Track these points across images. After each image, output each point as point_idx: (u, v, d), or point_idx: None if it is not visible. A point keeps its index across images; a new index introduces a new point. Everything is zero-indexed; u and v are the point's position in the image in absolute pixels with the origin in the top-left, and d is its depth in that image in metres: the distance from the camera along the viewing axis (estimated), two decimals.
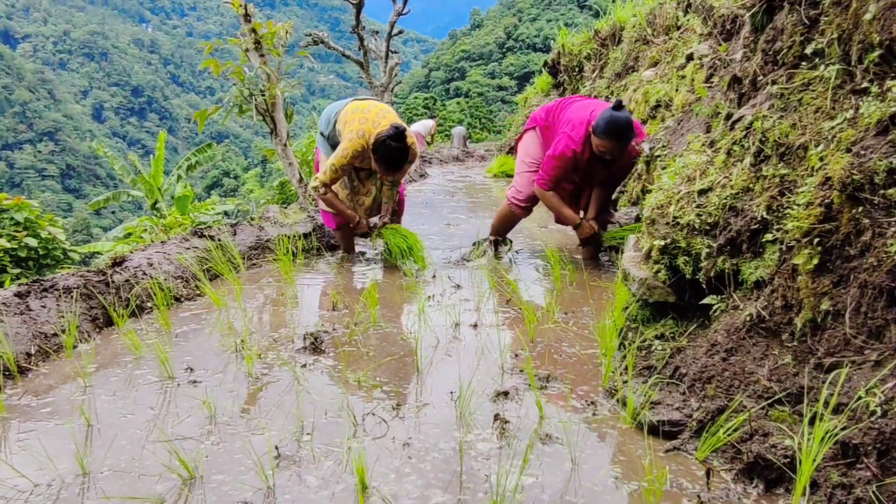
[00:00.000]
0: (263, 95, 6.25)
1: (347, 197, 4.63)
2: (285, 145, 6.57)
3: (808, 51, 2.37)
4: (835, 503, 1.73)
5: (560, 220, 4.66)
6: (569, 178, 4.32)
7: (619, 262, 3.24)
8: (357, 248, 5.06)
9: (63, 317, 3.03)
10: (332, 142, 4.55)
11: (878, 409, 1.72)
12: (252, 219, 5.69)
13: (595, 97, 4.79)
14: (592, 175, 4.33)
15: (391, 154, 4.16)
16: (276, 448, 2.07)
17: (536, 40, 75.93)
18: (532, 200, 4.63)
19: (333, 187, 4.48)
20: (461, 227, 6.06)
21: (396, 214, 4.92)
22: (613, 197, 5.79)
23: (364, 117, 4.29)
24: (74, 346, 2.95)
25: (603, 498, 1.85)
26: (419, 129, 15.12)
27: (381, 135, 4.15)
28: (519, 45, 78.94)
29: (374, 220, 4.79)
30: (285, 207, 6.94)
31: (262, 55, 6.21)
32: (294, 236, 4.75)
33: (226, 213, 14.84)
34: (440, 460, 2.03)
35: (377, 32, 18.59)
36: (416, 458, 2.04)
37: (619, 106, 3.93)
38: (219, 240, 4.31)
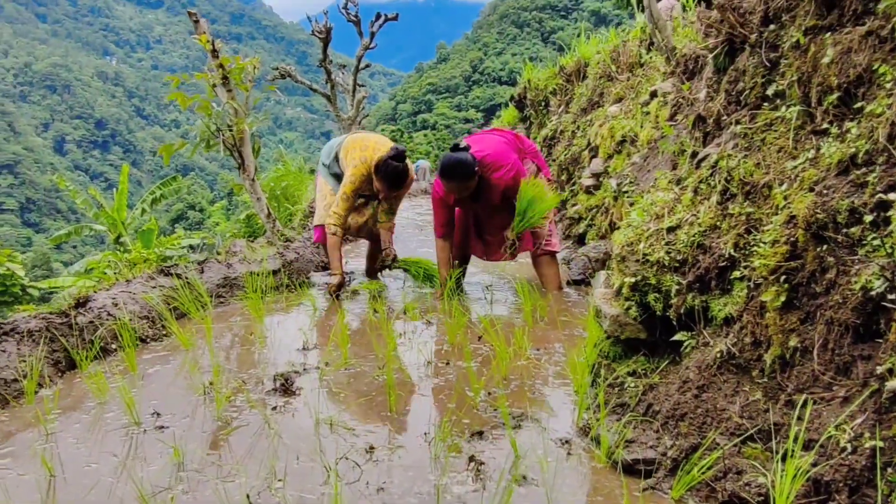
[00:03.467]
0: (231, 130, 6.22)
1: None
2: (253, 180, 6.53)
3: (770, 92, 2.44)
4: None
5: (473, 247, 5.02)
6: (452, 218, 4.69)
7: (589, 297, 3.26)
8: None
9: (24, 361, 2.95)
10: (333, 171, 5.01)
11: (848, 446, 1.75)
12: (219, 253, 5.63)
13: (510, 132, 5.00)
14: (472, 209, 4.70)
15: (393, 172, 4.55)
16: (248, 497, 2.02)
17: (502, 73, 77.11)
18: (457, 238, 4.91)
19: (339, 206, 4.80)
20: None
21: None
22: (581, 231, 5.86)
23: (364, 145, 4.75)
24: (36, 392, 2.87)
25: None
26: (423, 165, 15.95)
27: (383, 156, 4.57)
28: (485, 78, 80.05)
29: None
30: (252, 241, 6.88)
31: (229, 90, 6.20)
32: (263, 273, 4.71)
33: (191, 247, 14.64)
34: None
35: (344, 66, 18.67)
36: None
37: (455, 147, 4.31)
38: (186, 278, 4.25)
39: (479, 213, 4.73)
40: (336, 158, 4.97)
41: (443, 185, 4.37)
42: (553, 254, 4.71)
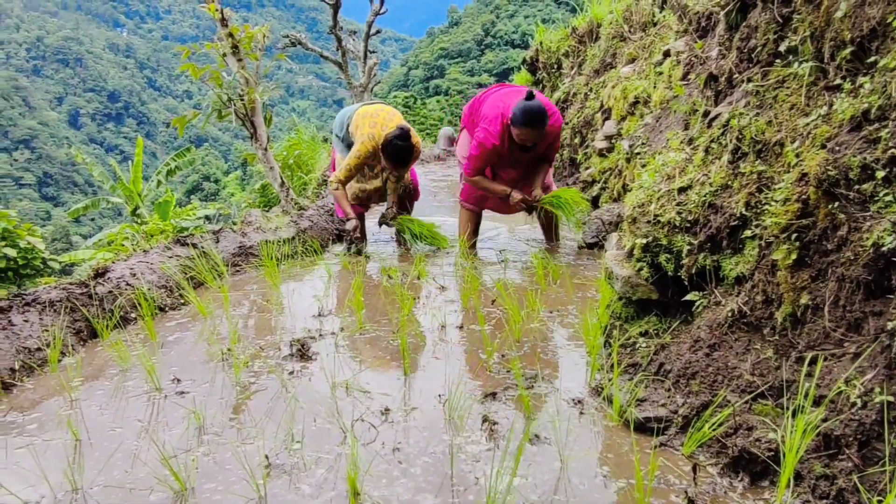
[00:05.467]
0: (242, 100, 6.21)
1: (356, 181, 5.26)
2: (266, 149, 6.54)
3: (782, 48, 2.40)
4: (818, 494, 1.77)
5: (489, 202, 4.98)
6: (491, 164, 4.68)
7: (602, 259, 3.27)
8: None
9: (47, 330, 3.01)
10: (347, 142, 5.16)
11: (858, 401, 1.76)
12: (234, 223, 5.68)
13: (512, 86, 4.95)
14: (517, 160, 4.67)
15: (398, 152, 4.78)
16: (267, 457, 2.07)
17: (514, 36, 75.96)
18: (480, 200, 4.97)
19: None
20: (443, 228, 6.06)
21: (410, 200, 5.58)
22: (594, 194, 5.84)
23: (374, 121, 4.89)
24: (59, 360, 2.94)
25: (592, 496, 1.87)
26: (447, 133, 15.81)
27: (389, 136, 4.77)
28: (497, 42, 78.93)
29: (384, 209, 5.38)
30: (267, 211, 6.92)
31: (239, 59, 6.18)
32: (278, 241, 4.74)
33: (207, 218, 14.72)
34: (430, 464, 2.05)
35: (355, 32, 18.51)
36: (406, 463, 2.05)
37: (530, 96, 4.26)
38: (202, 247, 4.29)
39: (522, 166, 4.74)
40: (347, 128, 5.11)
41: (521, 132, 4.28)
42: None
